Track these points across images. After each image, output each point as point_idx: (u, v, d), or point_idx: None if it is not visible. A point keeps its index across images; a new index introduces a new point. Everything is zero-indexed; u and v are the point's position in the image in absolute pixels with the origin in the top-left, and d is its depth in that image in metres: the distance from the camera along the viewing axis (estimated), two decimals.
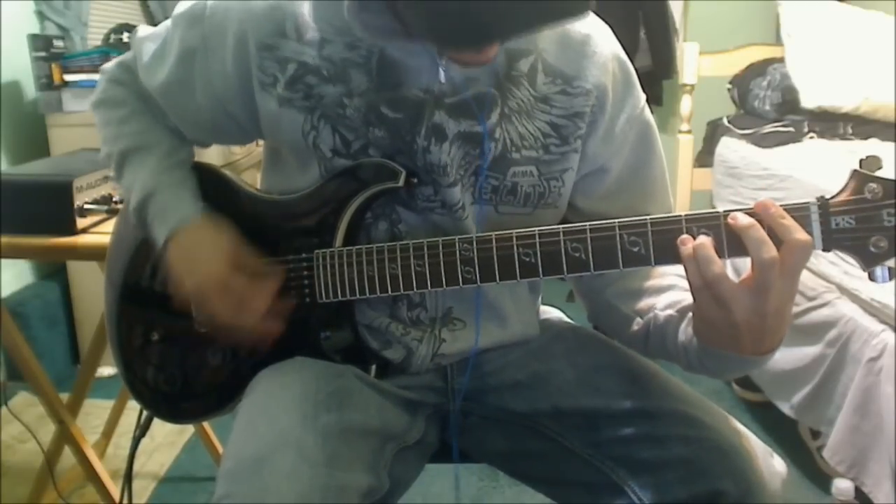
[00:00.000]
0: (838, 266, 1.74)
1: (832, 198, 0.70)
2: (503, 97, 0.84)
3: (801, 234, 0.68)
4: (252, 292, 0.85)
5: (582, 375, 0.90)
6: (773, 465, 0.84)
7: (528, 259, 0.76)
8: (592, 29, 0.89)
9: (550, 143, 0.86)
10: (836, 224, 0.69)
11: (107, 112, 0.97)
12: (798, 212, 0.70)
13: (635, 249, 0.73)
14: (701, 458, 0.80)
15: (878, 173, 0.69)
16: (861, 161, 0.70)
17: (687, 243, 0.71)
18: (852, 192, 0.69)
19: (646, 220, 0.73)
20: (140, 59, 0.94)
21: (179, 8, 0.91)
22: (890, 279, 0.69)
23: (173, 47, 0.90)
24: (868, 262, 0.69)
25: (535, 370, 0.93)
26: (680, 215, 0.72)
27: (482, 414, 0.95)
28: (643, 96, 0.92)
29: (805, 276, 1.86)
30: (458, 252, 0.79)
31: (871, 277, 0.70)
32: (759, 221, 0.69)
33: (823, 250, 0.70)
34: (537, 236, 0.76)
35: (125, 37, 2.45)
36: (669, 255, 0.72)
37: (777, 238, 0.68)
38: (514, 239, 0.77)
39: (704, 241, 0.70)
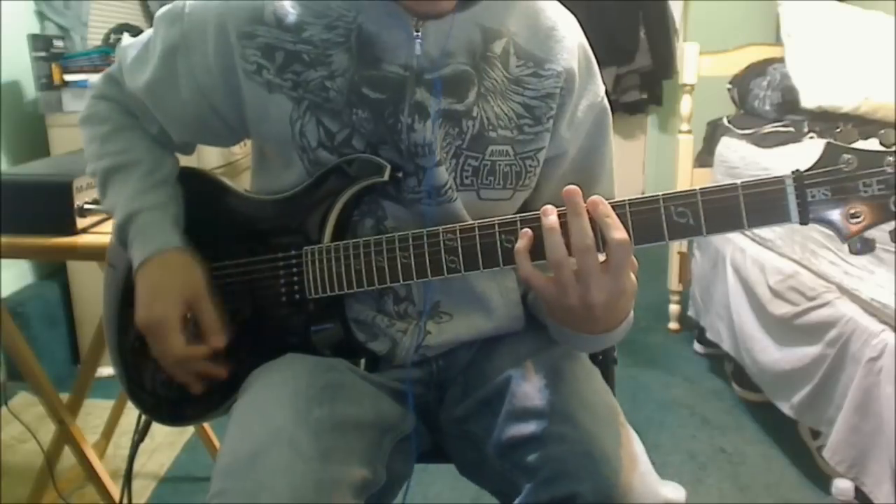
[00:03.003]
0: (838, 266, 1.74)
1: (807, 170, 0.70)
2: (479, 77, 0.86)
3: (618, 233, 0.71)
4: (193, 347, 0.88)
5: (517, 376, 0.88)
6: (653, 485, 0.78)
7: (510, 246, 0.76)
8: (560, 17, 0.92)
9: (524, 123, 0.88)
10: (812, 196, 0.70)
11: (91, 129, 0.98)
12: (773, 185, 0.70)
13: None
14: (568, 459, 0.77)
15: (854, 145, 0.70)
16: (836, 134, 0.71)
17: (551, 213, 0.73)
18: (827, 164, 0.70)
19: (624, 201, 0.74)
20: (124, 65, 0.95)
21: (160, 10, 0.92)
22: (872, 250, 0.70)
23: (155, 47, 0.91)
24: (846, 233, 0.70)
25: (483, 369, 0.93)
26: (658, 195, 0.73)
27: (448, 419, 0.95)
28: (603, 87, 0.95)
29: (805, 276, 1.87)
30: (441, 242, 0.80)
31: (853, 250, 0.71)
32: (589, 219, 0.72)
33: (800, 223, 0.71)
34: (519, 223, 0.77)
35: (125, 37, 2.45)
36: (648, 235, 0.73)
37: (602, 236, 0.72)
38: (497, 226, 0.78)
39: (602, 199, 0.72)
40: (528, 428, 0.81)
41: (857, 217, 0.69)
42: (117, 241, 0.93)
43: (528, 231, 0.74)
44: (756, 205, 0.71)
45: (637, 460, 0.78)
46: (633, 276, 0.75)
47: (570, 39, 0.90)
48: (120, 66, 0.97)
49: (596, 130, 0.94)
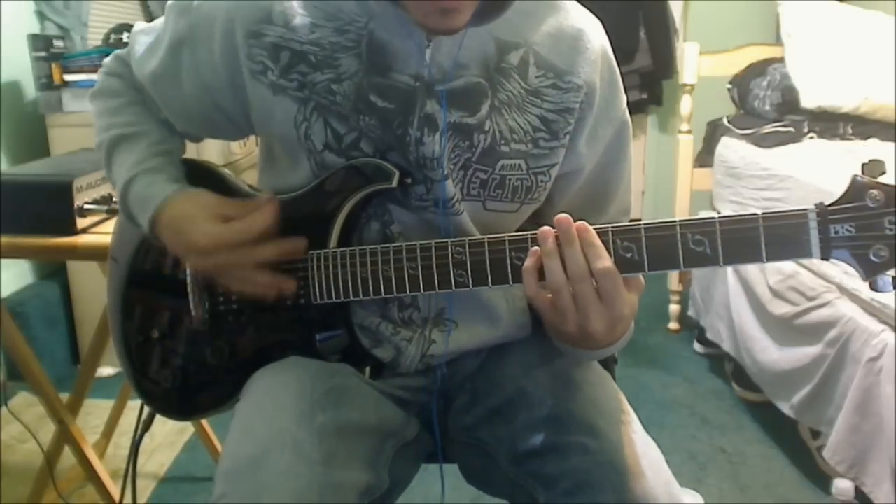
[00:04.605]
0: (838, 266, 1.74)
1: (831, 204, 0.67)
2: (493, 89, 0.84)
3: (601, 262, 0.70)
4: (248, 226, 0.82)
5: (531, 384, 0.87)
6: (676, 495, 0.78)
7: (520, 263, 0.75)
8: (585, 23, 0.89)
9: (540, 137, 0.86)
10: (835, 232, 0.66)
11: (102, 102, 0.98)
12: (795, 219, 0.67)
13: (628, 255, 0.72)
14: (591, 470, 0.76)
15: (881, 179, 0.66)
16: (863, 166, 0.67)
17: (549, 237, 0.71)
18: (853, 199, 0.66)
19: (639, 225, 0.72)
20: (134, 52, 0.95)
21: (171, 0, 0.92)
22: (893, 288, 0.67)
23: (164, 39, 0.90)
24: (869, 271, 0.67)
25: (492, 377, 0.92)
26: (675, 221, 0.71)
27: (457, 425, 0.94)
28: (625, 98, 0.92)
29: (805, 276, 1.86)
30: (450, 255, 0.78)
31: (873, 287, 0.67)
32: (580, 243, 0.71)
33: (821, 259, 0.68)
34: (529, 241, 0.75)
35: (125, 37, 2.45)
36: (662, 262, 0.71)
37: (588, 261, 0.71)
38: (507, 243, 0.76)
39: (587, 226, 0.71)
40: (548, 438, 0.80)
41: (881, 255, 0.65)
42: (121, 208, 0.92)
43: (537, 250, 0.73)
44: (776, 238, 0.68)
45: (659, 469, 0.78)
46: (634, 297, 0.74)
47: (594, 50, 0.87)
48: (130, 51, 0.96)
49: (616, 144, 0.92)
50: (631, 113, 0.93)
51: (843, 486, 1.69)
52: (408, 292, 0.81)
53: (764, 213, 0.68)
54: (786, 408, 1.89)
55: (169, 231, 0.86)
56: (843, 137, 2.37)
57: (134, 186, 0.89)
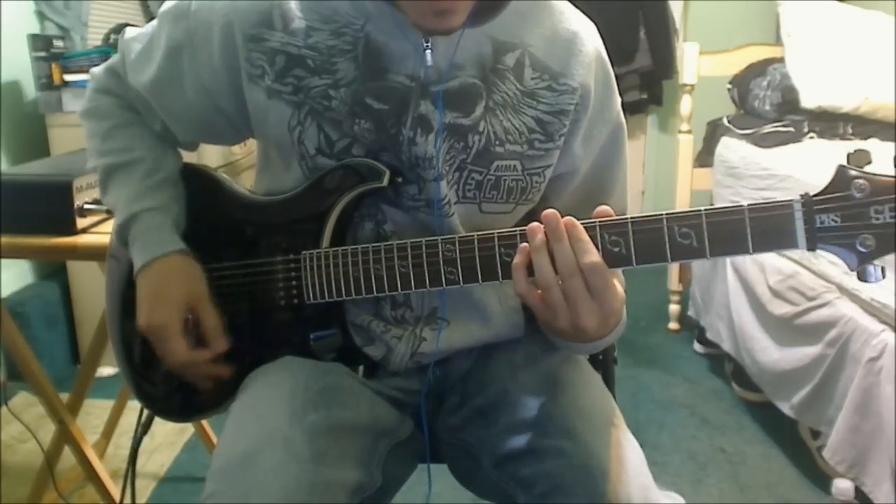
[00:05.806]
0: (838, 266, 1.74)
1: (817, 195, 0.67)
2: (488, 90, 0.84)
3: (588, 257, 0.70)
4: (196, 352, 0.87)
5: (513, 386, 0.87)
6: (652, 498, 0.77)
7: (509, 260, 0.75)
8: (579, 26, 0.89)
9: (535, 138, 0.86)
10: (821, 222, 0.67)
11: (93, 123, 0.97)
12: (781, 210, 0.68)
13: (616, 250, 0.72)
14: (565, 473, 0.76)
15: (867, 168, 0.67)
16: (849, 156, 0.68)
17: (538, 233, 0.72)
18: (838, 189, 0.67)
19: (626, 220, 0.72)
20: (128, 60, 0.94)
21: (165, 6, 0.91)
22: (882, 277, 0.67)
23: (160, 44, 0.90)
24: (856, 261, 0.67)
25: (480, 378, 0.92)
26: (661, 214, 0.71)
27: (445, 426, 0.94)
28: (619, 100, 0.93)
29: (805, 275, 1.86)
30: (440, 253, 0.79)
31: (862, 277, 0.68)
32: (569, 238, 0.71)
33: (808, 250, 0.68)
34: (518, 237, 0.75)
35: (127, 29, 2.46)
36: (650, 255, 0.72)
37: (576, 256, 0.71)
38: (496, 239, 0.77)
39: (575, 222, 0.71)
40: (526, 440, 0.80)
41: (868, 245, 0.66)
42: (118, 241, 0.93)
43: (525, 246, 0.73)
44: (762, 229, 0.68)
45: (636, 472, 0.77)
46: (618, 285, 0.74)
47: (588, 52, 0.88)
48: (122, 60, 0.95)
49: (611, 146, 0.92)
50: (631, 113, 0.94)
51: (843, 486, 1.69)
52: (399, 290, 0.81)
53: (750, 205, 0.68)
54: (786, 408, 1.89)
55: (148, 288, 0.88)
56: (843, 137, 2.37)
57: (136, 224, 0.90)
